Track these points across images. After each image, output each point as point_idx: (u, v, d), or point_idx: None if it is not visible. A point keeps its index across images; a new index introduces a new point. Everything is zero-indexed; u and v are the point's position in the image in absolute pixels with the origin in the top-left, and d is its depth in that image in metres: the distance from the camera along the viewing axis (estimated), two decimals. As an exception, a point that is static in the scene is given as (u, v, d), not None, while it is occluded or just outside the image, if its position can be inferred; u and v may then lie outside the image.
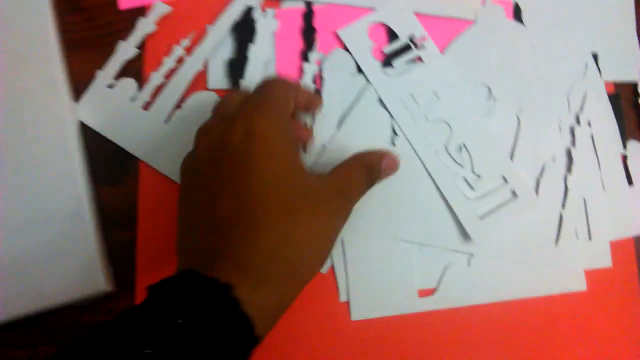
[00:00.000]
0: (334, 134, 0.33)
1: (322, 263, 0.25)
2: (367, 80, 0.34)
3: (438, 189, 0.33)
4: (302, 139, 0.32)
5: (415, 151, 0.33)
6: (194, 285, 0.21)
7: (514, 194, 0.33)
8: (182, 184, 0.27)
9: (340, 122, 0.34)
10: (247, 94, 0.28)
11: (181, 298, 0.21)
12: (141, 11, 0.35)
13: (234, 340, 0.20)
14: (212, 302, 0.20)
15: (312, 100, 0.31)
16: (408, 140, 0.33)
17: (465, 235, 0.32)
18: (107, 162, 0.34)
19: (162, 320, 0.20)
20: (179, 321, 0.19)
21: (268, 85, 0.27)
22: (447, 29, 0.35)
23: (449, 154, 0.33)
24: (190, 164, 0.27)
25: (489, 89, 0.34)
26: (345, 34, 0.35)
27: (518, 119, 0.34)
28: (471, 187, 0.33)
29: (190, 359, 0.19)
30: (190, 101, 0.34)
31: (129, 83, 0.34)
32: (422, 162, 0.33)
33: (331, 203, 0.26)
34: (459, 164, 0.33)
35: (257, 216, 0.23)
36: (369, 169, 0.28)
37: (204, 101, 0.34)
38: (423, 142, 0.33)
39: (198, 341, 0.19)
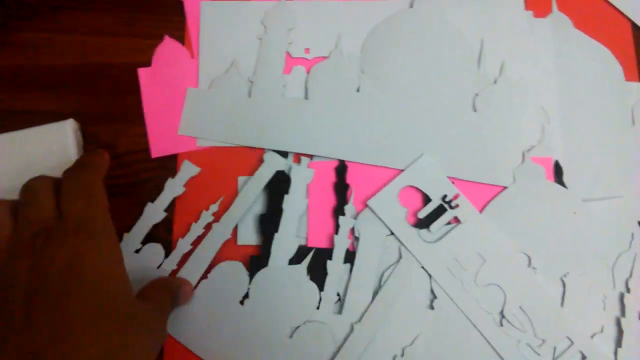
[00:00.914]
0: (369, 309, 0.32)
1: None
2: (405, 247, 0.33)
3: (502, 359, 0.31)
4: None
5: (471, 321, 0.32)
6: None
7: (583, 355, 0.31)
8: None
9: (376, 286, 0.33)
10: (58, 192, 0.26)
11: None
12: (173, 158, 0.35)
13: None
14: None
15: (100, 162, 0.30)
16: (461, 310, 0.32)
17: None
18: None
19: None
20: None
21: (81, 182, 0.26)
22: (482, 191, 0.34)
23: (508, 320, 0.32)
24: None
25: (529, 257, 0.33)
26: (375, 203, 0.33)
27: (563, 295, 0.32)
28: (537, 353, 0.31)
29: None
30: (217, 271, 0.33)
31: (156, 249, 0.33)
32: (480, 332, 0.32)
33: (155, 328, 0.27)
34: (520, 329, 0.31)
35: (73, 349, 0.21)
36: (173, 293, 0.30)
37: (231, 271, 0.33)
38: (478, 312, 0.32)
39: None
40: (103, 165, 0.29)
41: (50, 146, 0.34)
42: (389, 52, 0.36)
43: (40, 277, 0.23)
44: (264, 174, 0.34)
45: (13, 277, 0.23)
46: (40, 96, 0.36)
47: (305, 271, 0.33)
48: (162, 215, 0.33)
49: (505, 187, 0.34)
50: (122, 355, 0.23)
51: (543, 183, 0.34)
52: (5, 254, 0.24)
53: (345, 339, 0.31)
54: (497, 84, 0.35)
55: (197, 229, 0.33)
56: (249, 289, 0.32)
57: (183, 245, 0.33)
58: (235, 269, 0.33)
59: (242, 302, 0.32)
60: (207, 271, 0.33)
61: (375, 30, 0.36)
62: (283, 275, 0.33)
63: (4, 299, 0.23)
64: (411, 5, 0.37)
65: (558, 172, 0.35)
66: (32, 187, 0.26)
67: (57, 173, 0.34)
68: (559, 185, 0.34)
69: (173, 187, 0.34)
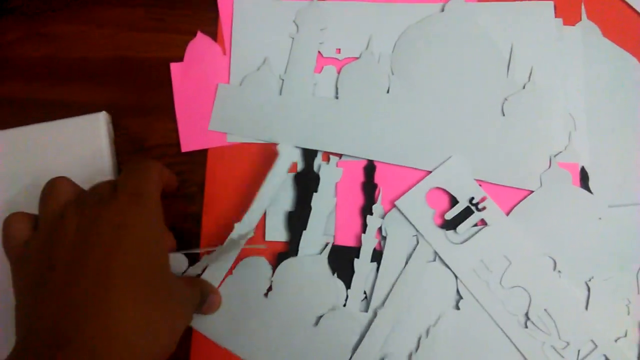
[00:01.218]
0: (390, 294, 0.33)
1: (169, 353, 0.25)
2: (432, 247, 0.33)
3: None
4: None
5: (496, 323, 0.32)
6: None
7: (607, 358, 0.31)
8: (28, 253, 0.25)
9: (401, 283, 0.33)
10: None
11: None
12: (202, 153, 0.35)
13: None
14: None
15: (171, 181, 0.32)
16: (487, 312, 0.32)
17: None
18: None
19: None
20: None
21: (138, 167, 0.28)
22: (509, 194, 0.35)
23: (532, 322, 0.32)
24: (45, 235, 0.25)
25: (554, 261, 0.33)
26: (403, 203, 0.34)
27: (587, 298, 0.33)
28: (561, 355, 0.32)
29: None
30: (241, 266, 0.33)
31: (180, 259, 0.32)
32: (504, 333, 0.32)
33: (185, 309, 0.28)
34: (544, 332, 0.32)
35: (112, 301, 0.23)
36: (203, 294, 0.31)
37: (255, 266, 0.33)
38: (503, 313, 0.32)
39: None
40: (161, 172, 0.29)
41: (83, 138, 0.35)
42: (419, 55, 0.36)
43: (87, 234, 0.24)
44: (280, 166, 0.34)
45: (61, 231, 0.25)
46: (72, 88, 0.37)
47: (326, 261, 0.33)
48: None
49: (531, 191, 0.34)
50: (155, 320, 0.24)
51: (569, 188, 0.34)
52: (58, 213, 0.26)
53: (370, 324, 0.32)
54: (525, 89, 0.35)
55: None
56: (272, 282, 0.33)
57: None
58: (258, 264, 0.33)
59: (266, 295, 0.33)
60: (232, 268, 0.33)
61: (406, 33, 0.37)
62: (304, 265, 0.33)
63: (50, 251, 0.24)
64: (442, 9, 0.37)
65: (584, 178, 0.35)
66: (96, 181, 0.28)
67: (89, 165, 0.34)
68: (585, 191, 0.34)
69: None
